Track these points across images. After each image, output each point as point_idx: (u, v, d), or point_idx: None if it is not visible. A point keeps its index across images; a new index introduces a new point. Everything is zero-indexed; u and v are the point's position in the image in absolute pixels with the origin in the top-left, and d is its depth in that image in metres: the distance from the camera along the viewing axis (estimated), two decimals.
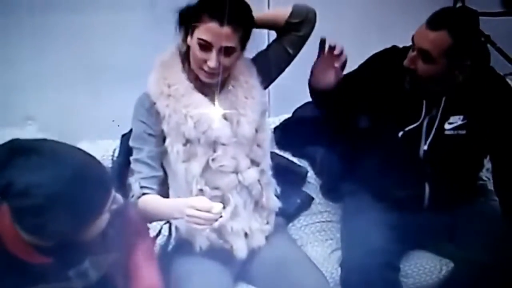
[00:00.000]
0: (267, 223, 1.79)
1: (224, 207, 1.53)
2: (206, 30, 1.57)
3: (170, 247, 1.80)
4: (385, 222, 1.87)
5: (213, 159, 1.66)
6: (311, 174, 2.34)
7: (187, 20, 1.63)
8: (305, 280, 1.68)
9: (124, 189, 2.16)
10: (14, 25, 2.41)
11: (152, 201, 1.66)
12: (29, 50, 2.45)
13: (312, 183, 2.31)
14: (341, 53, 1.79)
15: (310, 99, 2.60)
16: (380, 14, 2.86)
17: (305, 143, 2.35)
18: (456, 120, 1.86)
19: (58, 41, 2.47)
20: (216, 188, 1.68)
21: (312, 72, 1.83)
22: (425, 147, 1.87)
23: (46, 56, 2.48)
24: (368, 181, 1.96)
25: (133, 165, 1.70)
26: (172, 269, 1.70)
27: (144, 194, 1.66)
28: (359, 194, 2.01)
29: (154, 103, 1.65)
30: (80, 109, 2.52)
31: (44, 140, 1.28)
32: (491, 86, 1.86)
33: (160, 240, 1.83)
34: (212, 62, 1.58)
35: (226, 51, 1.59)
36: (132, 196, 1.66)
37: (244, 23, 1.60)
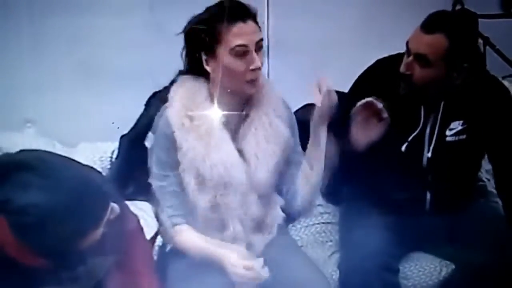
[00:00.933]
0: (269, 233, 1.78)
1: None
2: (236, 36, 1.52)
3: (168, 248, 1.79)
4: (384, 224, 1.86)
5: (221, 194, 1.64)
6: None
7: (204, 44, 1.56)
8: (306, 282, 1.67)
9: (123, 190, 2.17)
10: (13, 28, 2.42)
11: (186, 239, 1.65)
12: (28, 53, 2.45)
13: None
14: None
15: (309, 102, 2.61)
16: (380, 14, 2.85)
17: (304, 145, 2.34)
18: (456, 125, 1.85)
19: (57, 44, 2.47)
20: (219, 214, 1.67)
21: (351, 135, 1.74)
22: (429, 155, 1.85)
23: (45, 59, 2.48)
24: (369, 187, 1.95)
25: (158, 193, 1.66)
26: (169, 271, 1.69)
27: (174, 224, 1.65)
28: (358, 197, 2.00)
29: (174, 132, 1.61)
30: (79, 111, 2.52)
31: (41, 153, 1.27)
32: (487, 88, 1.86)
33: (159, 241, 1.82)
34: (256, 62, 1.55)
35: (258, 46, 1.56)
36: (162, 227, 1.66)
37: (255, 9, 1.58)
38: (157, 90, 2.40)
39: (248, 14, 1.54)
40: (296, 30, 2.71)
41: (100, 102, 2.51)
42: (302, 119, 2.43)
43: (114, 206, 1.31)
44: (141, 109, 2.37)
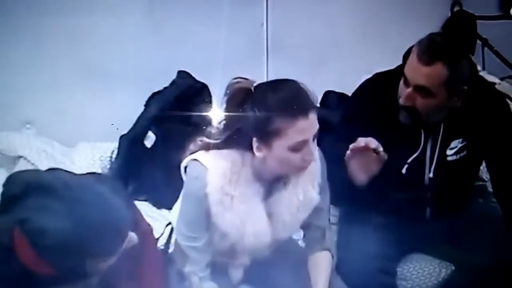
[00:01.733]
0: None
1: None
2: (298, 132, 1.43)
3: (170, 250, 1.79)
4: (383, 226, 1.86)
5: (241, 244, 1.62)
6: None
7: (260, 134, 1.46)
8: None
9: (124, 188, 2.17)
10: (12, 28, 2.40)
11: None
12: (27, 53, 2.44)
13: None
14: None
15: None
16: (380, 14, 2.86)
17: None
18: (456, 144, 1.83)
19: (56, 44, 2.46)
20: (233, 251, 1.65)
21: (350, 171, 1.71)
22: (431, 175, 1.84)
23: (44, 59, 2.46)
24: (368, 201, 1.93)
25: (187, 251, 1.58)
26: (170, 272, 1.69)
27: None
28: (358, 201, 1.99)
29: (210, 204, 1.52)
30: (78, 111, 2.50)
31: (61, 174, 1.26)
32: (483, 100, 1.83)
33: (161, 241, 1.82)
34: (312, 156, 1.48)
35: (315, 136, 1.49)
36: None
37: (315, 96, 1.50)
38: (156, 90, 2.42)
39: (311, 107, 1.45)
40: (295, 31, 2.71)
41: (99, 102, 2.49)
42: None
43: (133, 236, 1.29)
44: (140, 109, 2.38)
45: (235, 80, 1.50)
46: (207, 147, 1.54)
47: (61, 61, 2.48)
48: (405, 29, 2.88)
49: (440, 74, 1.65)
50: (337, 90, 2.68)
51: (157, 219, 2.08)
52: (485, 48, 2.97)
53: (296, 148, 1.45)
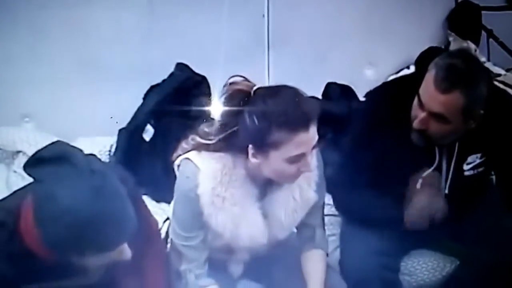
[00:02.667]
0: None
1: None
2: (295, 146, 1.39)
3: (169, 245, 1.78)
4: (386, 222, 1.83)
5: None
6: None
7: (257, 143, 1.42)
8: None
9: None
10: (11, 21, 2.39)
11: None
12: (25, 47, 2.43)
13: None
14: None
15: (309, 95, 2.59)
16: (382, 5, 2.83)
17: None
18: (474, 159, 1.78)
19: (55, 38, 2.45)
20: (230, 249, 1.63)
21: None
22: (446, 191, 1.79)
23: (43, 53, 2.45)
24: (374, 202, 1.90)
25: (182, 250, 1.56)
26: (170, 267, 1.68)
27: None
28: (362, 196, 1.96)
29: (202, 205, 1.49)
30: (77, 106, 2.48)
31: (91, 158, 1.26)
32: (500, 113, 1.76)
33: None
34: (308, 168, 1.46)
35: (314, 147, 1.46)
36: (186, 285, 1.58)
37: (316, 107, 1.45)
38: (154, 84, 2.41)
39: (311, 120, 1.40)
40: (296, 22, 2.68)
41: (98, 96, 2.48)
42: None
43: (126, 248, 1.28)
44: (138, 103, 2.36)
45: (233, 80, 1.45)
46: (199, 147, 1.51)
47: (60, 55, 2.46)
48: (408, 21, 2.86)
49: (457, 102, 1.59)
50: (339, 82, 2.67)
51: (156, 212, 2.05)
52: (490, 39, 2.94)
53: (293, 160, 1.42)
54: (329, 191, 2.18)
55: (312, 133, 1.41)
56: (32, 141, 2.33)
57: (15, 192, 1.35)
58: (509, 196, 1.84)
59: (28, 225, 1.21)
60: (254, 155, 1.44)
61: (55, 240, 1.19)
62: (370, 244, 1.78)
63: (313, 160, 1.57)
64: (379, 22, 2.81)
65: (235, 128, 1.44)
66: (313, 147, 1.44)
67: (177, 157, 1.54)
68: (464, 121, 1.64)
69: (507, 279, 1.77)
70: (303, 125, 1.38)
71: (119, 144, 2.26)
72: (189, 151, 1.52)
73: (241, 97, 1.43)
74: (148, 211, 1.58)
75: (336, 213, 2.10)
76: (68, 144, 1.27)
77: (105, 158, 2.29)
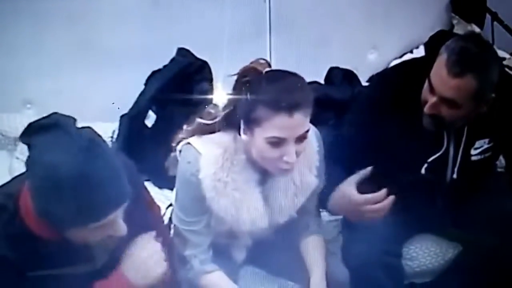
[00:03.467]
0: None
1: None
2: (275, 127, 1.38)
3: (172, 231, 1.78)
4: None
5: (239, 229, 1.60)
6: None
7: (245, 116, 1.43)
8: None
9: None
10: (12, 8, 2.38)
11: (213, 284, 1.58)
12: (27, 34, 2.42)
13: None
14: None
15: (312, 80, 2.58)
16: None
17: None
18: (482, 144, 1.77)
19: (56, 24, 2.44)
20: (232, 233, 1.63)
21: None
22: (455, 176, 1.77)
23: (44, 39, 2.45)
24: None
25: (186, 235, 1.56)
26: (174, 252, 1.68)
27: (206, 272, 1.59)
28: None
29: (204, 190, 1.49)
30: (79, 92, 2.48)
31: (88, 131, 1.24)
32: (509, 98, 1.75)
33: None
34: (290, 157, 1.41)
35: (300, 138, 1.42)
36: (193, 273, 1.58)
37: (310, 100, 1.42)
38: (155, 69, 2.40)
39: (297, 107, 1.37)
40: (299, 7, 2.66)
41: (99, 82, 2.48)
42: None
43: (120, 222, 1.27)
44: (140, 88, 2.36)
45: (255, 60, 1.46)
46: (201, 130, 1.51)
47: (61, 41, 2.46)
48: (412, 5, 2.84)
49: (470, 87, 1.57)
50: (342, 66, 2.65)
51: (159, 199, 2.06)
52: (495, 22, 2.92)
53: (274, 143, 1.40)
54: (332, 178, 2.19)
55: (296, 120, 1.38)
56: None
57: (15, 177, 1.36)
58: None
59: (27, 205, 1.23)
60: (244, 132, 1.45)
61: (46, 206, 1.19)
62: (372, 229, 1.78)
63: (313, 143, 1.58)
64: (382, 6, 2.79)
65: (234, 106, 1.46)
66: (299, 138, 1.41)
67: (179, 141, 1.55)
68: (476, 105, 1.63)
69: (510, 265, 1.76)
70: (286, 109, 1.36)
71: (121, 130, 2.26)
72: (191, 135, 1.53)
73: (251, 75, 1.43)
74: (151, 197, 1.57)
75: None
76: (62, 115, 1.26)
77: (107, 144, 2.30)
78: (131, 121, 2.26)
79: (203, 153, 1.48)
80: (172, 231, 1.64)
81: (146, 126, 2.26)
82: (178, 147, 1.54)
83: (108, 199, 1.22)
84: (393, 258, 1.80)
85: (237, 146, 1.49)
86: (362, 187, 1.60)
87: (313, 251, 1.66)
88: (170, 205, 1.82)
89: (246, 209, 1.53)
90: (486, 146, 1.78)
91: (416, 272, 1.96)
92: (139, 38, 2.49)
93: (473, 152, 1.77)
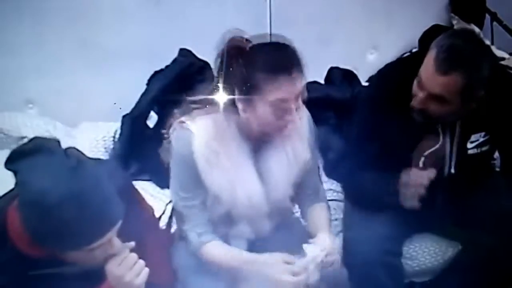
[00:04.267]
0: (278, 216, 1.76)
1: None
2: (277, 89, 1.43)
3: (172, 229, 1.79)
4: (389, 206, 1.84)
5: (236, 210, 1.60)
6: None
7: (241, 85, 1.46)
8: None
9: (126, 169, 2.17)
10: (13, 7, 2.38)
11: (218, 253, 1.58)
12: (28, 32, 2.42)
13: None
14: None
15: (312, 80, 2.58)
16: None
17: None
18: (478, 137, 1.78)
19: (57, 24, 2.44)
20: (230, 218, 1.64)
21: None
22: (452, 170, 1.78)
23: (46, 38, 2.45)
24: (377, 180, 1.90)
25: (183, 211, 1.59)
26: (174, 251, 1.69)
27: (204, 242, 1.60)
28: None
29: (197, 163, 1.52)
30: (81, 91, 2.48)
31: (72, 151, 1.25)
32: (503, 93, 1.75)
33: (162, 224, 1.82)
34: (292, 116, 1.47)
35: (298, 96, 1.48)
36: (193, 246, 1.59)
37: (301, 57, 1.48)
38: (158, 69, 2.40)
39: (294, 65, 1.44)
40: (299, 6, 2.66)
41: (101, 81, 2.48)
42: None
43: (116, 240, 1.28)
44: (142, 88, 2.36)
45: (232, 36, 1.48)
46: (192, 109, 1.56)
47: (63, 41, 2.46)
48: (412, 5, 2.84)
49: (457, 84, 1.58)
50: (342, 66, 2.66)
51: (161, 198, 2.09)
52: (494, 22, 2.92)
53: (277, 105, 1.45)
54: (334, 176, 2.20)
55: (295, 79, 1.44)
56: (36, 126, 2.34)
57: (3, 195, 1.34)
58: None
59: (15, 225, 1.22)
60: (243, 109, 1.48)
61: (38, 230, 1.19)
62: (372, 228, 1.79)
63: (305, 123, 1.62)
64: (382, 6, 2.78)
65: (226, 84, 1.48)
66: (297, 96, 1.47)
67: (170, 127, 1.58)
68: (464, 102, 1.63)
69: (509, 264, 1.78)
70: (284, 68, 1.42)
71: (123, 130, 2.26)
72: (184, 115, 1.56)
73: (236, 52, 1.47)
74: (143, 200, 1.58)
75: (339, 198, 2.12)
76: (45, 138, 1.26)
77: (109, 144, 2.30)
78: (133, 122, 2.26)
79: (195, 128, 1.52)
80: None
81: (147, 126, 2.27)
82: (172, 128, 1.57)
83: (102, 220, 1.22)
84: (393, 257, 1.81)
85: (228, 119, 1.53)
86: None
87: (319, 214, 1.68)
88: (170, 202, 1.83)
89: (241, 181, 1.55)
90: (482, 139, 1.78)
91: (416, 271, 1.97)
92: (141, 38, 2.49)
93: (469, 145, 1.78)
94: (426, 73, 1.62)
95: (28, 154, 1.20)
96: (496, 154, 2.00)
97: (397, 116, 1.72)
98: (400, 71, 1.78)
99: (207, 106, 1.55)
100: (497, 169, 2.01)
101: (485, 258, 1.80)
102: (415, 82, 1.67)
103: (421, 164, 1.77)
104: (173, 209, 1.68)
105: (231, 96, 1.52)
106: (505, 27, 2.88)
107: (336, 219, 2.08)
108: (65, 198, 1.16)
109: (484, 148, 1.79)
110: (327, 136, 2.31)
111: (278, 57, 1.45)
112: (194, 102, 1.61)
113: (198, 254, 1.59)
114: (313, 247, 1.49)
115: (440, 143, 1.76)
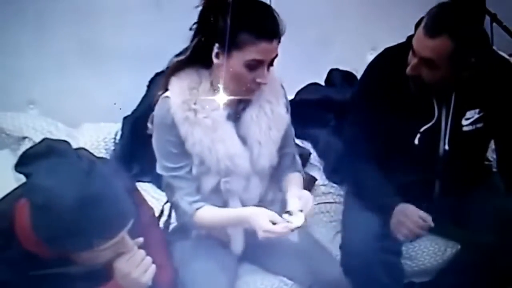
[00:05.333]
0: (272, 202, 1.77)
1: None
2: (257, 51, 1.50)
3: (171, 228, 1.80)
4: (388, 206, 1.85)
5: (224, 180, 1.63)
6: (314, 156, 2.33)
7: (222, 40, 1.51)
8: (312, 262, 1.70)
9: (127, 171, 2.17)
10: (15, 8, 2.39)
11: (210, 215, 1.63)
12: (30, 34, 2.42)
13: (315, 165, 2.31)
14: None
15: (312, 81, 2.59)
16: None
17: (307, 124, 2.33)
18: (473, 114, 1.81)
19: (60, 25, 2.44)
20: (221, 197, 1.67)
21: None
22: (446, 147, 1.82)
23: (48, 39, 2.45)
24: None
25: (172, 182, 1.63)
26: (174, 250, 1.70)
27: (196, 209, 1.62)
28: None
29: (177, 125, 1.57)
30: (82, 92, 2.48)
31: (83, 153, 1.27)
32: (498, 71, 1.81)
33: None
34: (264, 79, 1.54)
35: (272, 61, 1.56)
36: (185, 215, 1.63)
37: (283, 26, 1.55)
38: (159, 71, 2.40)
39: (277, 35, 1.52)
40: (299, 7, 2.66)
41: (103, 82, 2.48)
42: (305, 99, 2.43)
43: (128, 239, 1.30)
44: (143, 89, 2.36)
45: None
46: (177, 65, 1.60)
47: (65, 42, 2.46)
48: (412, 6, 2.83)
49: (445, 47, 1.63)
50: (341, 67, 2.66)
51: (162, 200, 2.07)
52: (494, 24, 2.91)
53: (252, 66, 1.51)
54: (334, 178, 2.21)
55: (274, 46, 1.52)
56: (38, 127, 2.33)
57: (6, 195, 1.35)
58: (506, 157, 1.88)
59: (23, 225, 1.22)
60: (217, 55, 1.53)
61: (51, 233, 1.20)
62: (371, 228, 1.80)
63: (277, 80, 1.67)
64: (382, 7, 2.78)
65: (205, 35, 1.54)
66: (271, 61, 1.54)
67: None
68: (454, 67, 1.67)
69: (508, 264, 1.79)
70: (269, 35, 1.50)
71: (124, 132, 2.26)
72: (168, 76, 1.61)
73: (218, 3, 1.52)
74: (144, 199, 1.60)
75: (338, 201, 2.12)
76: (55, 140, 1.29)
77: (110, 145, 2.31)
78: (134, 124, 2.26)
79: (171, 92, 1.57)
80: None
81: (148, 128, 2.27)
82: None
83: (116, 220, 1.24)
84: (392, 257, 1.83)
85: (201, 76, 1.58)
86: None
87: (292, 179, 1.73)
88: (167, 202, 1.84)
89: (221, 141, 1.58)
90: (477, 116, 1.81)
91: (415, 271, 1.98)
92: (143, 40, 2.49)
93: (464, 122, 1.81)
94: (417, 38, 1.68)
95: (41, 156, 1.20)
96: (493, 156, 2.02)
97: (394, 95, 1.77)
98: (396, 53, 1.83)
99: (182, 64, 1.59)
100: (495, 170, 2.03)
101: (484, 258, 1.81)
102: (410, 52, 1.72)
103: (416, 141, 1.81)
104: (163, 181, 1.70)
105: (230, 98, 1.58)
106: (505, 28, 2.88)
107: (335, 221, 2.10)
108: (81, 200, 1.17)
109: (478, 125, 1.82)
110: (327, 138, 2.33)
111: (263, 21, 1.51)
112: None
113: (191, 222, 1.62)
114: (292, 201, 1.55)
115: (435, 119, 1.78)
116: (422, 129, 1.80)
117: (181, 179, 1.62)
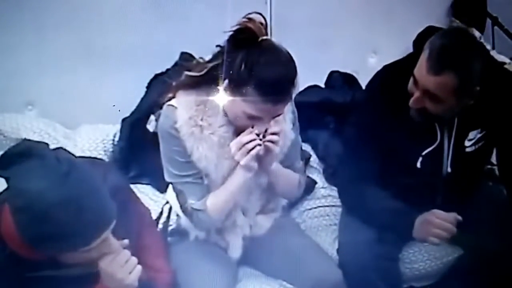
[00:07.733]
0: (273, 210, 1.79)
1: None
2: (256, 109, 1.47)
3: (169, 229, 1.79)
4: (388, 211, 1.83)
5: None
6: (314, 159, 2.33)
7: (233, 81, 1.48)
8: (312, 265, 1.69)
9: (126, 173, 2.16)
10: (13, 9, 2.38)
11: (217, 198, 1.62)
12: (29, 34, 2.42)
13: (315, 168, 2.30)
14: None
15: (312, 83, 2.58)
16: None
17: (307, 127, 2.32)
18: (475, 134, 1.79)
19: (58, 25, 2.44)
20: None
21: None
22: (449, 169, 1.80)
23: (46, 40, 2.44)
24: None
25: (183, 188, 1.62)
26: (172, 251, 1.70)
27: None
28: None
29: (183, 139, 1.56)
30: (81, 93, 2.48)
31: (62, 152, 1.26)
32: (499, 88, 1.77)
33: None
34: (260, 130, 1.51)
35: (275, 117, 1.54)
36: (200, 214, 1.62)
37: (295, 91, 1.52)
38: (158, 72, 2.40)
39: (284, 102, 1.49)
40: (300, 9, 2.67)
41: (101, 83, 2.48)
42: (305, 101, 2.42)
43: (112, 240, 1.28)
44: (142, 91, 2.36)
45: (252, 16, 1.51)
46: (188, 81, 1.57)
47: (63, 42, 2.46)
48: (412, 9, 2.84)
49: (450, 84, 1.59)
50: (341, 70, 2.66)
51: (161, 202, 2.07)
52: (495, 27, 2.92)
53: (251, 117, 1.49)
54: (334, 182, 2.20)
55: (278, 108, 1.49)
56: (35, 128, 2.33)
57: None
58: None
59: (8, 228, 1.22)
60: (225, 90, 1.50)
61: (33, 234, 1.19)
62: (369, 233, 1.79)
63: (289, 107, 1.64)
64: (383, 10, 2.79)
65: (221, 62, 1.50)
66: (274, 117, 1.52)
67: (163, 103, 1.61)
68: (459, 99, 1.64)
69: (510, 269, 1.78)
70: (274, 101, 1.46)
71: (123, 134, 2.26)
72: (177, 90, 1.58)
73: (248, 36, 1.47)
74: (137, 198, 1.59)
75: (339, 204, 2.11)
76: (34, 141, 1.28)
77: (108, 147, 2.30)
78: (132, 126, 2.26)
79: (178, 105, 1.56)
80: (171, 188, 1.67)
81: (147, 130, 2.27)
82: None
83: (97, 221, 1.23)
84: (390, 262, 1.82)
85: (210, 93, 1.55)
86: None
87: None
88: (167, 202, 1.83)
89: (227, 156, 1.56)
90: (479, 135, 1.79)
91: (416, 276, 1.97)
92: (142, 41, 2.49)
93: (467, 143, 1.79)
94: (420, 73, 1.64)
95: (19, 159, 1.20)
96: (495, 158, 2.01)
97: (395, 118, 1.74)
98: (396, 73, 1.79)
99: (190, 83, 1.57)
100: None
101: (485, 262, 1.80)
102: (410, 81, 1.69)
103: (418, 165, 1.78)
104: (172, 187, 1.69)
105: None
106: (506, 32, 2.89)
107: (335, 224, 2.09)
108: (60, 203, 1.16)
109: (480, 144, 1.80)
110: (327, 140, 2.32)
111: (275, 83, 1.44)
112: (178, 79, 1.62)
113: (206, 217, 1.61)
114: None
115: (438, 142, 1.77)
116: (424, 153, 1.78)
117: (190, 184, 1.61)
